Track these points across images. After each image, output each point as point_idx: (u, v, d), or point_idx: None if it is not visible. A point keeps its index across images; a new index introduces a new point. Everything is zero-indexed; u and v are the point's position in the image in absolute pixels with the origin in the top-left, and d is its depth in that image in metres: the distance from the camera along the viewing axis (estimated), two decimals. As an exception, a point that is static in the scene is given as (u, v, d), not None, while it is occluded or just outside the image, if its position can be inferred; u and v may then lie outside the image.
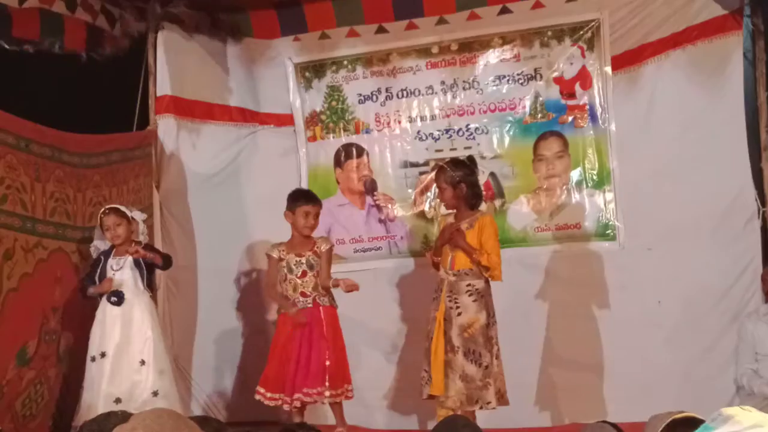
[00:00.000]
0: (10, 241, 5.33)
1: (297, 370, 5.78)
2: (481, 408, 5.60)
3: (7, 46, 5.97)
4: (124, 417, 3.06)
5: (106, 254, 5.84)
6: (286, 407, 5.81)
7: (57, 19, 6.21)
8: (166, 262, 6.05)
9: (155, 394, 5.59)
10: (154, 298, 6.24)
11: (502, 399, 5.69)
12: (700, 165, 6.52)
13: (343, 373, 5.88)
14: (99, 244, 5.90)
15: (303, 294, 5.92)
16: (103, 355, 5.63)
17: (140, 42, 7.07)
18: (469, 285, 5.70)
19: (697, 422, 3.16)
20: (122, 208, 5.92)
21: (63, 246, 5.89)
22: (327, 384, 5.73)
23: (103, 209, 5.90)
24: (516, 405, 6.04)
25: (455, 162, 6.01)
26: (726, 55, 6.51)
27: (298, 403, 5.76)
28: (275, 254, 6.03)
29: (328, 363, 5.77)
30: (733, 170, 6.44)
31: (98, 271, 5.80)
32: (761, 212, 6.36)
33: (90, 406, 5.50)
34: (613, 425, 3.49)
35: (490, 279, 5.72)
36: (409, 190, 7.26)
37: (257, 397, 5.85)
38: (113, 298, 5.72)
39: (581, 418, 6.33)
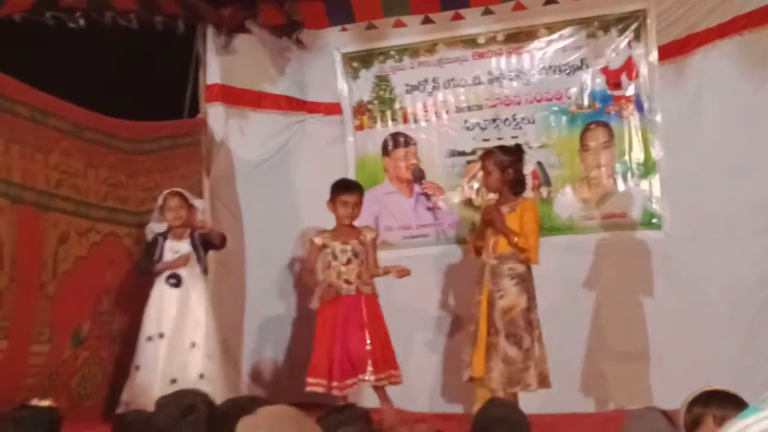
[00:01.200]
0: (64, 225, 5.49)
1: (341, 357, 5.88)
2: (521, 390, 5.66)
3: (56, 19, 5.91)
4: (197, 393, 3.15)
5: (163, 236, 5.96)
6: (335, 392, 5.90)
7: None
8: (223, 241, 6.17)
9: (201, 376, 5.69)
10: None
11: (544, 381, 5.76)
12: (746, 156, 6.48)
13: (386, 358, 5.95)
14: (154, 227, 6.01)
15: (347, 282, 5.99)
16: (161, 335, 5.73)
17: (191, 30, 7.17)
18: (510, 269, 5.76)
19: (731, 397, 3.21)
20: (186, 193, 6.05)
21: (115, 230, 6.05)
22: (370, 369, 5.82)
23: (168, 190, 6.02)
24: (561, 390, 6.09)
25: (504, 148, 6.09)
26: (773, 44, 6.48)
27: (343, 391, 5.85)
28: (318, 240, 6.11)
29: (368, 348, 5.85)
30: (779, 160, 6.41)
31: (157, 252, 5.91)
32: (806, 204, 6.33)
33: (146, 385, 5.60)
34: (663, 412, 3.53)
35: (526, 262, 5.76)
36: (457, 179, 7.30)
37: (308, 388, 5.91)
38: (172, 280, 5.83)
39: (626, 405, 6.34)
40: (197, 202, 6.14)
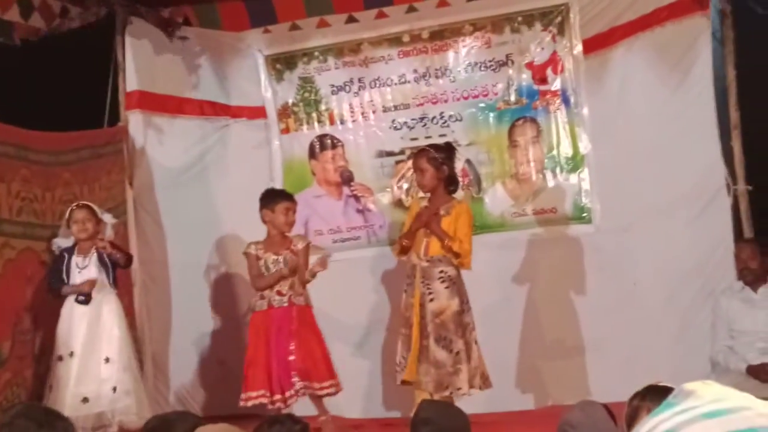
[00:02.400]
0: (-23, 243, 5.32)
1: (277, 370, 5.79)
2: (451, 394, 5.62)
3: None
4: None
5: (69, 251, 5.81)
6: (265, 401, 5.80)
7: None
8: (128, 260, 6.06)
9: (114, 390, 5.61)
10: (128, 294, 6.23)
11: (486, 382, 5.76)
12: (671, 145, 6.54)
13: (320, 369, 5.86)
14: (60, 242, 5.88)
15: (279, 293, 5.91)
16: (71, 354, 5.63)
17: (109, 37, 7.01)
18: (441, 271, 5.72)
19: (669, 390, 3.19)
20: (94, 207, 5.93)
21: (32, 245, 5.87)
22: (296, 379, 5.73)
23: (76, 203, 5.90)
24: (498, 388, 6.09)
25: (436, 146, 6.07)
26: (695, 35, 6.54)
27: (286, 404, 5.76)
28: (252, 251, 6.02)
29: (292, 358, 5.77)
30: (704, 149, 6.47)
31: (64, 268, 5.77)
32: (732, 190, 6.39)
33: (58, 405, 5.45)
34: (602, 405, 3.52)
35: (459, 267, 5.73)
36: (386, 179, 7.24)
37: (249, 403, 5.81)
38: (80, 297, 5.72)
39: (564, 400, 6.33)
40: (106, 217, 6.00)
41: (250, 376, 5.85)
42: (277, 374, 5.78)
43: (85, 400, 5.49)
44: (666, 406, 1.17)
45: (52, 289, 5.85)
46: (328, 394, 5.91)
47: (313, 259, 6.14)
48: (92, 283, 5.73)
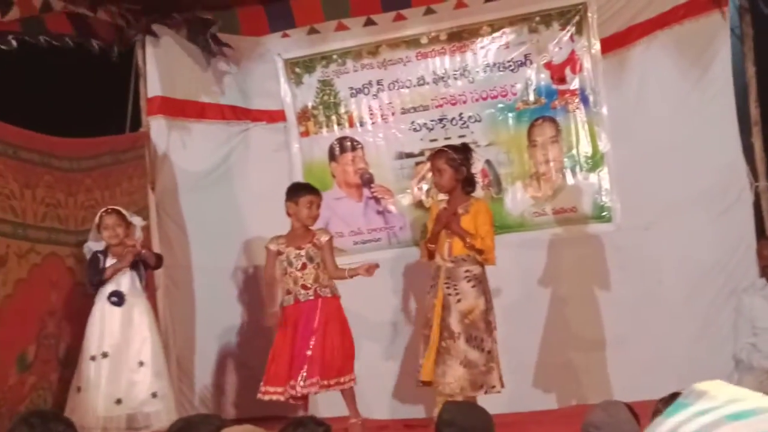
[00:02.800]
0: (2, 248, 5.36)
1: (292, 363, 5.81)
2: (486, 392, 5.63)
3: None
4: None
5: (103, 254, 5.86)
6: (282, 399, 5.83)
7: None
8: (158, 261, 6.10)
9: (154, 395, 5.66)
10: (152, 298, 6.28)
11: (500, 382, 5.74)
12: (691, 143, 6.54)
13: (338, 362, 5.87)
14: (92, 245, 5.91)
15: (304, 287, 5.93)
16: (104, 355, 5.66)
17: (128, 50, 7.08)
18: (467, 271, 5.73)
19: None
20: (123, 211, 5.96)
21: (56, 250, 5.92)
22: (317, 375, 5.75)
23: (104, 209, 5.94)
24: (521, 388, 6.12)
25: (453, 146, 6.08)
26: (713, 32, 6.53)
27: (293, 393, 5.78)
28: (273, 247, 6.05)
29: (309, 353, 5.79)
30: (724, 146, 6.47)
31: (102, 265, 5.80)
32: (753, 186, 6.38)
33: (90, 406, 5.54)
34: (625, 404, 3.52)
35: (484, 263, 5.74)
36: (406, 181, 7.25)
37: (260, 396, 5.88)
38: (114, 299, 5.76)
39: (588, 399, 6.38)
40: (135, 220, 6.04)
41: (271, 372, 5.89)
42: (293, 368, 5.81)
43: (119, 401, 5.53)
44: (680, 407, 1.17)
45: (93, 282, 5.86)
46: (342, 389, 5.91)
47: (338, 263, 6.15)
48: (135, 253, 5.81)
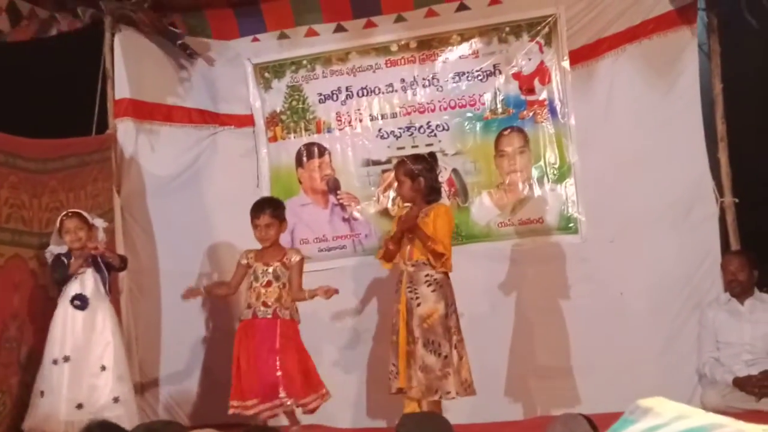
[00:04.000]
0: (-34, 250, 5.29)
1: (251, 380, 5.80)
2: (440, 398, 5.62)
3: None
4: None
5: (66, 257, 5.78)
6: (258, 411, 5.81)
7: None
8: (123, 263, 6.04)
9: (116, 400, 5.60)
10: (115, 302, 6.21)
11: (469, 389, 5.73)
12: (658, 157, 6.59)
13: (302, 383, 5.85)
14: (54, 249, 5.83)
15: (264, 304, 5.88)
16: (66, 359, 5.59)
17: (97, 44, 6.99)
18: (427, 275, 5.73)
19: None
20: (84, 214, 5.89)
21: (20, 252, 5.83)
22: (283, 395, 5.73)
23: (65, 212, 5.87)
24: (486, 398, 6.10)
25: (416, 156, 6.07)
26: (681, 48, 6.60)
27: (257, 410, 5.77)
28: (243, 260, 6.03)
29: (279, 374, 5.77)
30: (690, 161, 6.52)
31: (68, 272, 5.73)
32: (719, 202, 6.44)
33: (52, 411, 5.47)
34: (585, 417, 3.52)
35: (442, 267, 5.72)
36: (372, 188, 7.25)
37: (230, 411, 5.83)
38: (77, 302, 5.69)
39: (553, 410, 6.41)
40: (98, 222, 5.97)
41: (240, 386, 5.84)
42: (262, 386, 5.78)
43: (80, 406, 5.47)
44: (626, 423, 1.19)
45: (60, 279, 5.78)
46: (315, 408, 5.90)
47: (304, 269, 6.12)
48: (100, 244, 5.76)
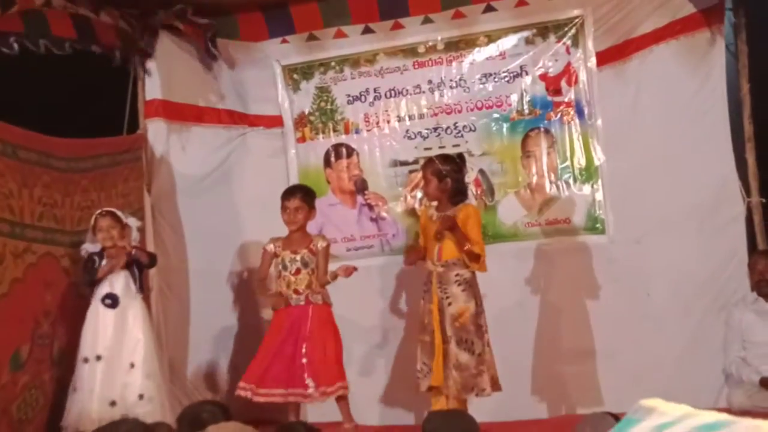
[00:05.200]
0: (-1, 247, 5.38)
1: (276, 366, 5.85)
2: (477, 395, 5.68)
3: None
4: (135, 423, 3.08)
5: (99, 255, 5.87)
6: (258, 399, 5.88)
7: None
8: (152, 260, 6.10)
9: (141, 397, 5.65)
10: (146, 300, 6.28)
11: (495, 385, 5.80)
12: (685, 157, 6.57)
13: (331, 370, 5.90)
14: (88, 247, 5.91)
15: (296, 291, 5.99)
16: (98, 357, 5.66)
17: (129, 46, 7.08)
18: (457, 275, 5.79)
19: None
20: (118, 213, 5.96)
21: (52, 250, 5.91)
22: (311, 383, 5.79)
23: (99, 211, 5.94)
24: (512, 397, 6.12)
25: (445, 156, 6.13)
26: (708, 48, 6.57)
27: (266, 399, 5.83)
28: (270, 248, 6.11)
29: (305, 361, 5.84)
30: (718, 162, 6.50)
31: (96, 266, 5.81)
32: (746, 202, 6.42)
33: (84, 408, 5.53)
34: (614, 416, 3.53)
35: (477, 271, 5.79)
36: (400, 189, 7.29)
37: (236, 392, 5.95)
38: (108, 301, 5.75)
39: (577, 409, 6.44)
40: (131, 221, 6.04)
41: (248, 368, 5.95)
42: (272, 371, 5.86)
43: (113, 403, 5.53)
44: (630, 423, 1.19)
45: (86, 282, 5.87)
46: (338, 397, 5.95)
47: (331, 268, 6.19)
48: (128, 254, 5.81)
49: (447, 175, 5.88)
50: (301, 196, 6.12)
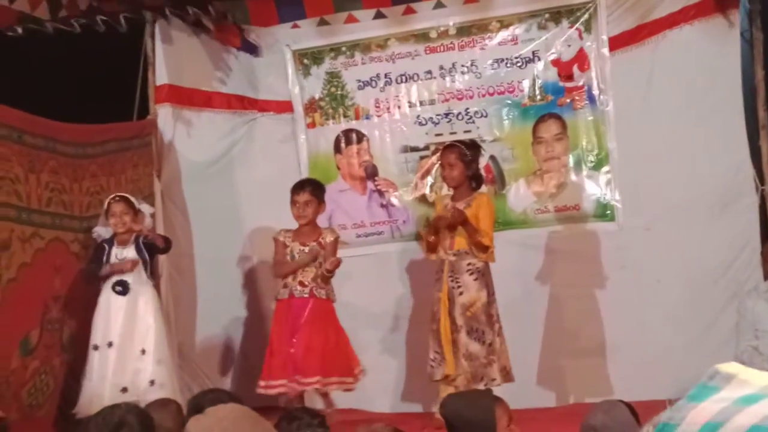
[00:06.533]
0: (6, 232, 5.37)
1: (279, 357, 5.86)
2: (486, 385, 5.67)
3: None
4: (128, 408, 3.07)
5: (109, 242, 5.87)
6: (286, 390, 5.88)
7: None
8: (167, 244, 6.09)
9: (152, 383, 5.67)
10: (157, 286, 6.28)
11: (507, 376, 5.82)
12: (698, 144, 6.53)
13: (336, 363, 5.90)
14: (101, 231, 5.93)
15: (301, 283, 5.97)
16: (109, 344, 5.69)
17: (139, 31, 7.06)
18: (469, 264, 5.79)
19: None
20: (132, 198, 5.97)
21: (61, 235, 5.92)
22: (317, 374, 5.79)
23: (113, 195, 5.94)
24: (520, 385, 6.10)
25: (465, 142, 6.09)
26: (723, 34, 6.50)
27: (296, 387, 5.83)
28: (281, 238, 6.09)
29: (303, 353, 5.84)
30: (731, 149, 6.45)
31: (105, 256, 5.81)
32: (759, 190, 6.37)
33: (95, 395, 5.56)
34: (626, 404, 3.50)
35: (486, 260, 5.77)
36: (410, 175, 7.26)
37: (261, 390, 5.94)
38: (118, 288, 5.76)
39: (586, 397, 6.42)
40: (144, 207, 6.04)
41: (272, 365, 5.92)
42: (295, 364, 5.84)
43: (124, 390, 5.57)
44: (706, 389, 1.08)
45: (89, 274, 5.89)
46: (345, 389, 5.96)
47: (340, 255, 6.17)
48: (133, 263, 5.79)
49: (472, 160, 5.90)
50: (310, 190, 6.10)
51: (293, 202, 6.06)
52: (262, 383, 5.95)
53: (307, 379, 5.83)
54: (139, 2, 6.84)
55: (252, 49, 7.32)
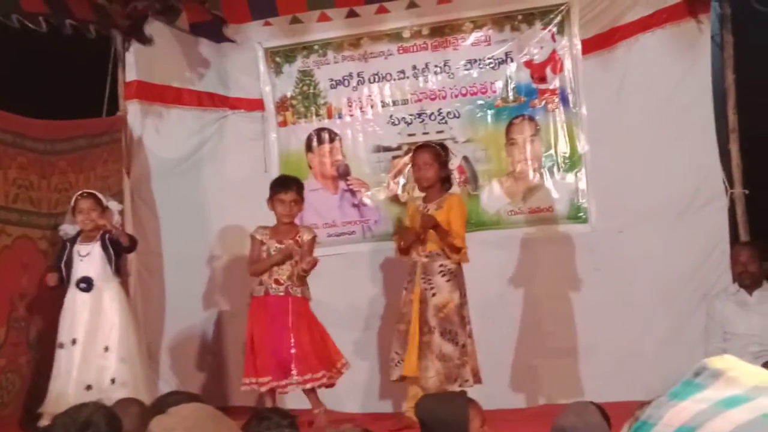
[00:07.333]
0: (-29, 228, 5.32)
1: (264, 357, 5.81)
2: (460, 386, 5.66)
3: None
4: (96, 408, 3.02)
5: (72, 241, 5.80)
6: (272, 387, 5.84)
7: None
8: (132, 243, 6.03)
9: (113, 381, 5.61)
10: (125, 284, 6.22)
11: (476, 377, 5.81)
12: (669, 147, 6.56)
13: (316, 359, 5.87)
14: (68, 228, 5.86)
15: (277, 282, 5.92)
16: (74, 342, 5.63)
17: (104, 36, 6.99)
18: (441, 266, 5.78)
19: None
20: (100, 195, 5.90)
21: (28, 233, 5.85)
22: (294, 372, 5.75)
23: (80, 192, 5.88)
24: (491, 386, 6.11)
25: (437, 144, 6.12)
26: (694, 38, 6.54)
27: (270, 386, 5.79)
28: (258, 236, 6.04)
29: (293, 352, 5.79)
30: (701, 152, 6.48)
31: (64, 257, 5.76)
32: (729, 193, 6.41)
33: (60, 393, 5.51)
34: (596, 405, 3.51)
35: (459, 262, 5.77)
36: (383, 174, 7.24)
37: (244, 388, 5.88)
38: (82, 285, 5.71)
39: (556, 399, 6.42)
40: (112, 205, 5.98)
41: (256, 362, 5.87)
42: (276, 364, 5.80)
43: (89, 387, 5.51)
44: (690, 387, 1.03)
45: (52, 268, 5.82)
46: (322, 385, 5.92)
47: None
48: (53, 278, 5.72)
49: (446, 161, 5.91)
50: (296, 189, 6.08)
51: (279, 200, 5.98)
52: (246, 380, 5.88)
53: (301, 377, 5.78)
54: (109, 22, 6.77)
55: (217, 35, 7.21)
